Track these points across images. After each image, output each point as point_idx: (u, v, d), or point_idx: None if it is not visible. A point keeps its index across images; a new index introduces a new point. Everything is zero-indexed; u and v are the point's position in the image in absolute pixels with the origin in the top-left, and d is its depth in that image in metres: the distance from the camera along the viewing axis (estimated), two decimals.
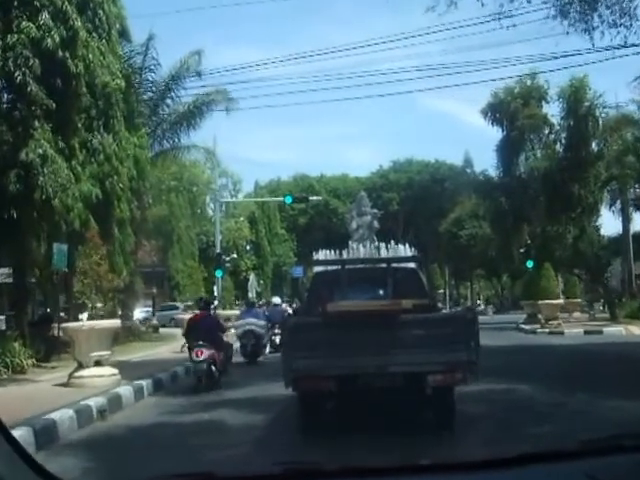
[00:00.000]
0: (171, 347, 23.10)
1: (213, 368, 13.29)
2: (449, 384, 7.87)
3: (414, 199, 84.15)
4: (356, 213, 56.44)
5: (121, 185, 22.31)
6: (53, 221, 17.00)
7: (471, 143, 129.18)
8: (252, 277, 72.57)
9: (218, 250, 35.78)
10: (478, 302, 73.47)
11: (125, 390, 11.59)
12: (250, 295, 71.95)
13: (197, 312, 15.46)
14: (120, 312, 29.95)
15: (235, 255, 70.96)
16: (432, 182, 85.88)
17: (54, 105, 17.07)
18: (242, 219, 73.55)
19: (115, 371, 12.60)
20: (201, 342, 13.34)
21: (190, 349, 13.68)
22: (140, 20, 32.80)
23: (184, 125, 30.74)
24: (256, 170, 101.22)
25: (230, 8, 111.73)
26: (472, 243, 74.62)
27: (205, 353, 13.11)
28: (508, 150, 35.01)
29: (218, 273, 34.88)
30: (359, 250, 55.67)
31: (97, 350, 12.14)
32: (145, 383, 12.58)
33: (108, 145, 21.50)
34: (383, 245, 56.57)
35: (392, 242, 57.73)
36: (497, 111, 34.93)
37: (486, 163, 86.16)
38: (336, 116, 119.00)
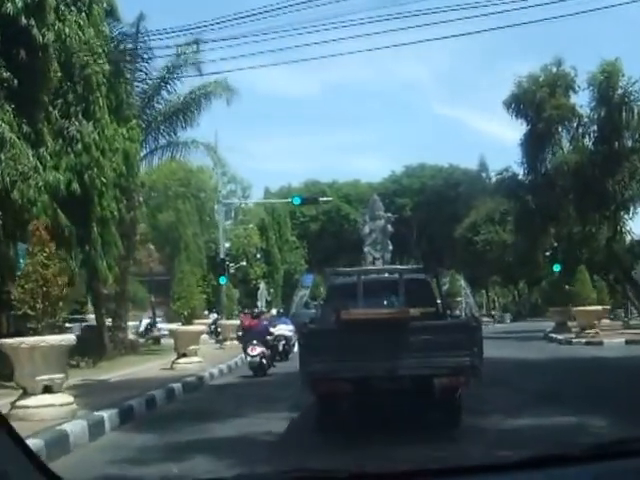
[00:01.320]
0: (163, 362, 20.53)
1: (264, 361, 17.99)
2: (454, 387, 8.28)
3: (427, 204, 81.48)
4: (369, 217, 53.83)
5: (103, 179, 19.87)
6: (14, 216, 14.46)
7: (482, 150, 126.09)
8: (262, 286, 69.96)
9: (222, 255, 33.12)
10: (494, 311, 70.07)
11: (76, 425, 8.91)
12: (260, 304, 69.55)
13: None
14: (111, 322, 27.59)
15: (244, 263, 68.38)
16: (446, 187, 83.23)
17: (16, 81, 14.61)
18: (251, 226, 71.02)
19: (70, 399, 9.96)
20: (255, 342, 18.05)
21: (245, 347, 18.53)
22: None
23: (181, 118, 28.26)
24: (266, 177, 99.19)
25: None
26: (488, 248, 71.87)
27: (257, 350, 17.90)
28: (533, 144, 32.17)
29: (221, 280, 32.30)
30: (373, 257, 53.10)
31: (45, 373, 9.53)
32: (107, 414, 9.90)
33: (87, 133, 19.11)
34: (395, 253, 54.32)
35: (405, 258, 55.64)
36: (521, 102, 32.11)
37: (498, 168, 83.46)
38: (347, 124, 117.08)
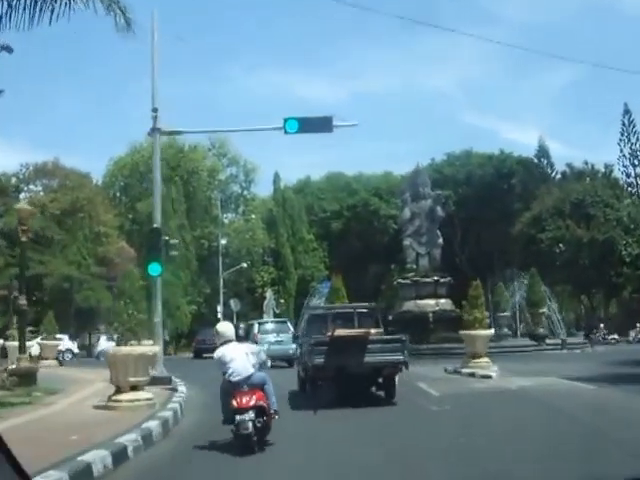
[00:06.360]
0: None
1: None
2: (394, 372, 14.14)
3: (475, 198, 66.49)
4: (410, 196, 38.95)
5: None
6: None
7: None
8: (269, 294, 55.47)
9: (156, 224, 18.52)
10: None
11: None
12: (266, 317, 55.02)
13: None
14: None
15: (245, 265, 53.90)
16: (497, 178, 68.43)
17: None
18: (253, 216, 56.69)
19: None
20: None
21: None
22: None
23: None
24: (282, 170, 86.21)
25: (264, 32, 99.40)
26: (556, 250, 57.00)
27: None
28: None
29: (153, 269, 17.53)
30: (417, 252, 38.56)
31: None
32: None
33: None
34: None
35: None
36: None
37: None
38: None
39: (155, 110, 18.55)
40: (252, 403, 8.75)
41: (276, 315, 54.76)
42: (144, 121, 19.97)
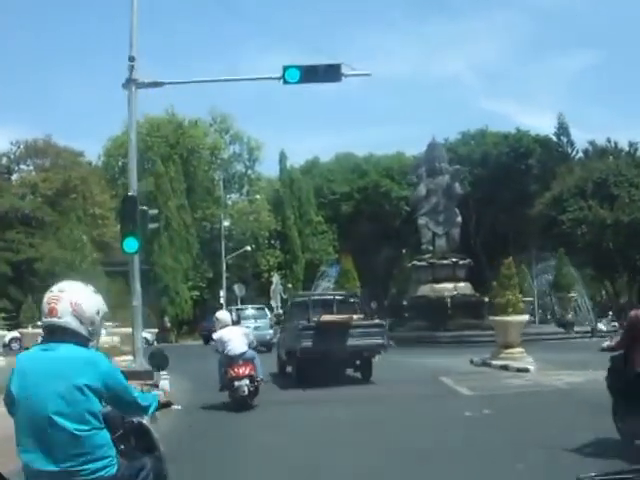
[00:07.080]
0: None
1: None
2: (372, 355, 15.61)
3: (491, 178, 63.51)
4: (426, 171, 36.10)
5: None
6: None
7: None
8: (276, 279, 52.76)
9: (133, 191, 15.61)
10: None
11: None
12: (273, 303, 52.36)
13: None
14: None
15: (249, 248, 51.02)
16: (513, 158, 65.45)
17: None
18: (258, 197, 53.81)
19: None
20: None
21: None
22: None
23: None
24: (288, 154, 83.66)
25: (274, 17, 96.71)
26: (578, 232, 53.92)
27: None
28: None
29: (128, 245, 14.48)
30: (434, 232, 35.79)
31: None
32: None
33: None
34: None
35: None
36: None
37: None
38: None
39: (132, 59, 15.66)
40: (247, 373, 11.79)
41: (283, 301, 52.13)
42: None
